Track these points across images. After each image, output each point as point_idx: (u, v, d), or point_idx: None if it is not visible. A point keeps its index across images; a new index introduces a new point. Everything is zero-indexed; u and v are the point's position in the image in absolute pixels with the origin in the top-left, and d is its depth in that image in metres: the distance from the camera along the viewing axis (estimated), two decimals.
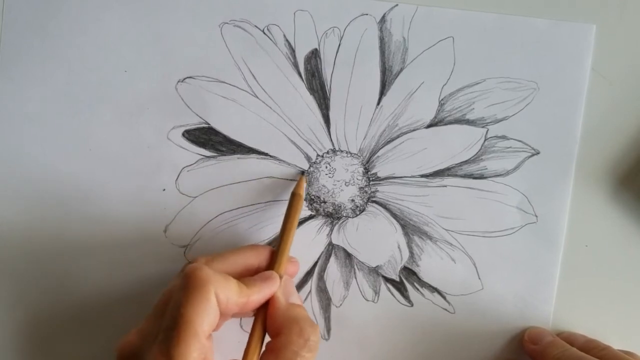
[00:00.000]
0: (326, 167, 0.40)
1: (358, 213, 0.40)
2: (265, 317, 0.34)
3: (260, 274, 0.35)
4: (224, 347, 0.38)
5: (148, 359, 0.31)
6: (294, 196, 0.38)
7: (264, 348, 0.34)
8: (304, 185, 0.39)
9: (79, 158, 0.40)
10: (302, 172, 0.40)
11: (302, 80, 0.40)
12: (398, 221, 0.40)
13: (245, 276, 0.35)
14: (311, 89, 0.40)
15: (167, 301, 0.32)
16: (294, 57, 0.40)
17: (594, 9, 0.40)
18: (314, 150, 0.40)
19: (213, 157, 0.40)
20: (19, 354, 0.40)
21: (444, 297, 0.40)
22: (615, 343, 0.38)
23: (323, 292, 0.40)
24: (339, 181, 0.40)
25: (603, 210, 0.40)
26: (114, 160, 0.40)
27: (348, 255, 0.40)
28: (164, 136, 0.40)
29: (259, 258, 0.36)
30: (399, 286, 0.40)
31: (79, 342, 0.40)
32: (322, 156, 0.40)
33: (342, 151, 0.40)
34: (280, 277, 0.35)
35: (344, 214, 0.40)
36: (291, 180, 0.40)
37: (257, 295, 0.33)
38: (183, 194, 0.40)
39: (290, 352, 0.32)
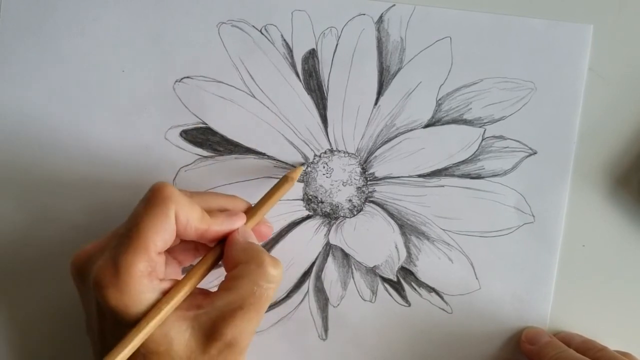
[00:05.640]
0: (324, 167, 0.40)
1: (355, 213, 0.40)
2: (222, 249, 0.33)
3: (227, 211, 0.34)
4: None
5: (98, 263, 0.30)
6: (285, 178, 0.37)
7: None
8: (299, 172, 0.38)
9: (76, 158, 0.40)
10: (303, 164, 0.40)
11: (300, 80, 0.40)
12: (395, 221, 0.40)
13: None
14: (309, 89, 0.40)
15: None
16: (292, 57, 0.40)
17: (591, 9, 0.40)
18: (312, 150, 0.40)
19: (211, 157, 0.40)
20: (16, 352, 0.40)
21: (442, 297, 0.40)
22: (612, 343, 0.38)
23: (320, 292, 0.40)
24: (336, 181, 0.40)
25: (600, 210, 0.40)
26: (111, 160, 0.40)
27: (345, 255, 0.40)
28: (161, 136, 0.40)
29: (235, 207, 0.35)
30: (397, 286, 0.40)
31: (78, 340, 0.40)
32: (320, 156, 0.40)
33: (339, 151, 0.40)
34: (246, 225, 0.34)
35: (342, 214, 0.40)
36: None
37: (218, 226, 0.33)
38: None
39: (247, 280, 0.31)
